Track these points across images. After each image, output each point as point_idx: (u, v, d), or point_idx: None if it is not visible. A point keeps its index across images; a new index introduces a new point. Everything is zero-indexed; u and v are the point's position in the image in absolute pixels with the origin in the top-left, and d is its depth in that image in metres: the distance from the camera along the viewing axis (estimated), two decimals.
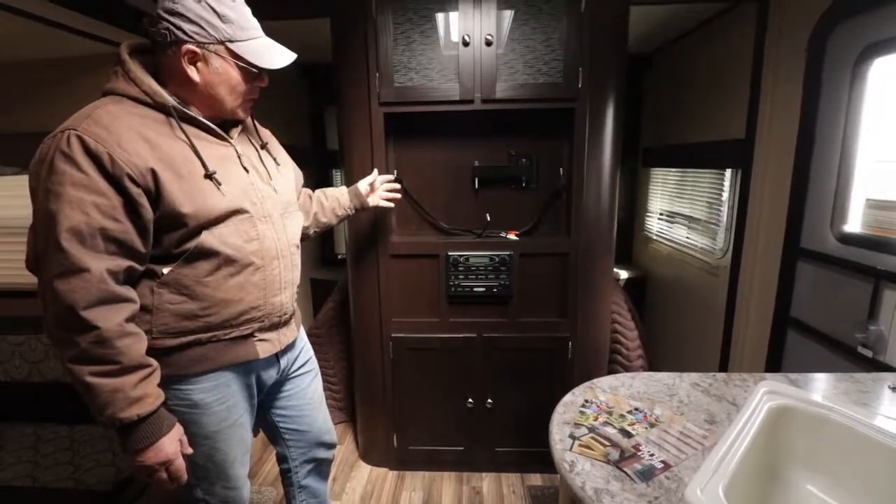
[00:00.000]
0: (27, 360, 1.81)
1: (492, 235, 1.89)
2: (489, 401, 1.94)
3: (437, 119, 1.77)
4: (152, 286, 0.93)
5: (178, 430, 0.95)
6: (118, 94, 0.91)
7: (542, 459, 1.98)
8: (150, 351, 0.96)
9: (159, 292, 0.93)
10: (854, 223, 1.48)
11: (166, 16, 0.90)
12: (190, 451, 0.98)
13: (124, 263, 0.86)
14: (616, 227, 1.87)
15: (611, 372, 2.05)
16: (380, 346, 1.93)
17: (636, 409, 0.96)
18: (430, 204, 1.93)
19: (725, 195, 2.10)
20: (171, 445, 0.92)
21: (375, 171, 1.53)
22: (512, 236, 1.88)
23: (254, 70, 0.97)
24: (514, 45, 1.67)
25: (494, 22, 1.64)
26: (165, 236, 0.91)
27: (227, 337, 1.01)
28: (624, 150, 1.89)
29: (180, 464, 0.95)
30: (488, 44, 1.65)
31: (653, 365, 2.17)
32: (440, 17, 1.66)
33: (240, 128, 1.08)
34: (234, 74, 0.96)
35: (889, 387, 1.01)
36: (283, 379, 1.23)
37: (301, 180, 1.34)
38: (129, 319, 0.87)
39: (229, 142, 1.02)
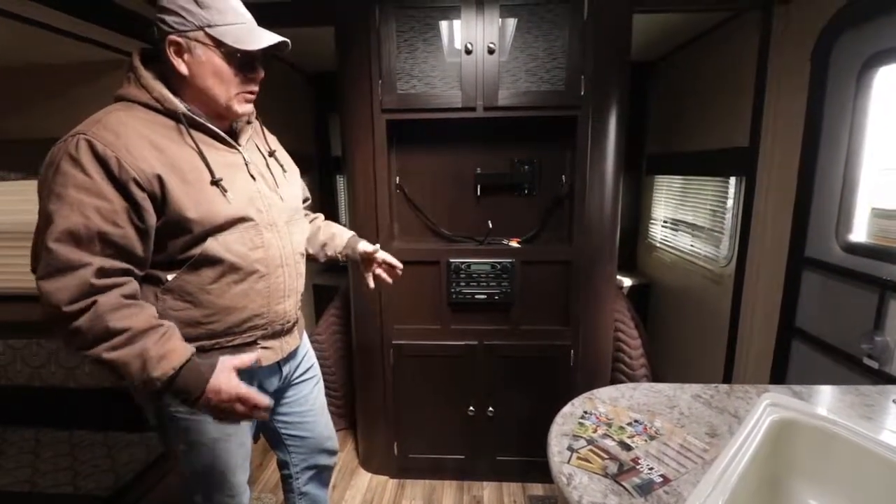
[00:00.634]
0: (28, 365, 1.81)
1: (494, 242, 1.89)
2: (490, 409, 1.93)
3: (440, 126, 1.77)
4: (156, 292, 0.93)
5: (225, 368, 0.92)
6: (129, 101, 0.92)
7: (543, 469, 1.94)
8: None
9: (163, 299, 0.93)
10: (859, 232, 1.46)
11: (156, 14, 0.92)
12: (264, 400, 0.94)
13: (120, 265, 0.86)
14: (619, 235, 1.86)
15: (614, 381, 2.03)
16: (381, 352, 1.93)
17: (636, 421, 0.95)
18: (431, 211, 1.93)
19: (730, 203, 2.09)
20: (226, 381, 0.90)
21: (377, 245, 1.35)
22: (514, 244, 1.88)
23: (237, 55, 0.94)
24: (517, 53, 1.68)
25: (497, 30, 1.64)
26: (170, 242, 0.91)
27: (230, 344, 1.01)
28: (628, 158, 1.89)
29: (247, 393, 0.92)
30: (491, 52, 1.65)
31: (656, 374, 2.15)
32: (443, 25, 1.67)
33: (248, 135, 1.08)
34: (218, 61, 0.93)
35: (893, 401, 0.99)
36: (286, 385, 1.23)
37: (306, 192, 1.34)
38: (128, 296, 0.87)
39: (237, 149, 1.03)
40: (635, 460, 0.83)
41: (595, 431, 0.92)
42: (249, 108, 1.03)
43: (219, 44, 0.92)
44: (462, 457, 2.01)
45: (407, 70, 1.70)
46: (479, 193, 1.89)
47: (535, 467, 1.97)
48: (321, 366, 1.40)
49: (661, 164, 2.78)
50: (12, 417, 1.82)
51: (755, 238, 1.88)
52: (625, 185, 1.93)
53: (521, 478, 2.03)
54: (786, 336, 1.72)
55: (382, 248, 1.81)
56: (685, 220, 2.50)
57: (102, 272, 0.83)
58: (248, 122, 1.10)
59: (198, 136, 0.95)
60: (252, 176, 1.03)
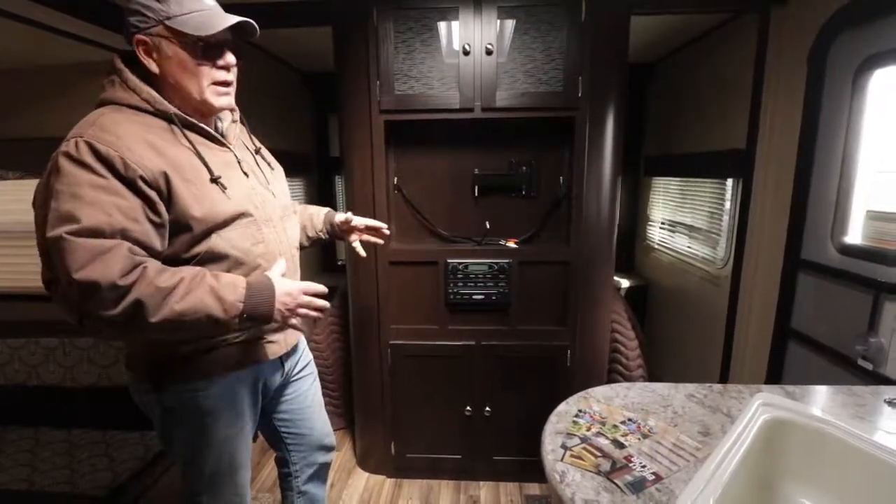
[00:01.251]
0: (26, 364, 1.82)
1: (491, 243, 1.90)
2: (487, 409, 1.93)
3: (438, 127, 1.78)
4: None
5: (276, 276, 0.96)
6: (117, 104, 0.91)
7: (540, 469, 1.92)
8: (164, 359, 0.97)
9: None
10: (855, 234, 1.47)
11: (125, 17, 0.91)
12: (322, 288, 0.99)
13: (144, 256, 0.86)
14: (617, 236, 1.86)
15: (610, 381, 2.04)
16: (378, 352, 1.93)
17: (630, 420, 0.96)
18: (429, 211, 1.94)
19: (727, 205, 2.10)
20: (289, 282, 0.95)
21: (349, 213, 1.36)
22: (511, 244, 1.88)
23: (200, 43, 0.91)
24: (515, 55, 1.68)
25: (495, 31, 1.65)
26: (176, 240, 0.92)
27: (237, 340, 1.02)
28: (625, 159, 1.89)
29: (308, 284, 0.98)
30: (489, 53, 1.66)
31: (653, 375, 2.15)
32: (441, 25, 1.68)
33: (236, 133, 1.08)
34: (182, 53, 0.91)
35: (885, 401, 1.00)
36: (286, 382, 1.24)
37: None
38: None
39: (229, 147, 1.03)
40: (628, 458, 0.83)
41: (589, 430, 0.92)
42: (226, 101, 0.99)
43: (179, 34, 0.90)
44: (459, 456, 2.02)
45: (405, 71, 1.71)
46: (476, 194, 1.90)
47: (531, 467, 1.98)
48: (319, 365, 1.41)
49: (658, 165, 2.79)
50: (10, 416, 1.82)
51: (752, 239, 1.89)
52: (623, 187, 1.94)
53: (517, 477, 2.03)
54: (781, 337, 1.73)
55: (380, 249, 1.83)
56: (683, 221, 2.51)
57: (133, 251, 0.83)
58: (234, 122, 1.10)
59: (191, 135, 0.95)
60: (245, 173, 1.04)
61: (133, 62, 0.94)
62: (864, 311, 1.36)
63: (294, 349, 1.22)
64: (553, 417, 0.97)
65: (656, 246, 2.81)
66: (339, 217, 1.35)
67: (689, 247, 2.44)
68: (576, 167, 1.75)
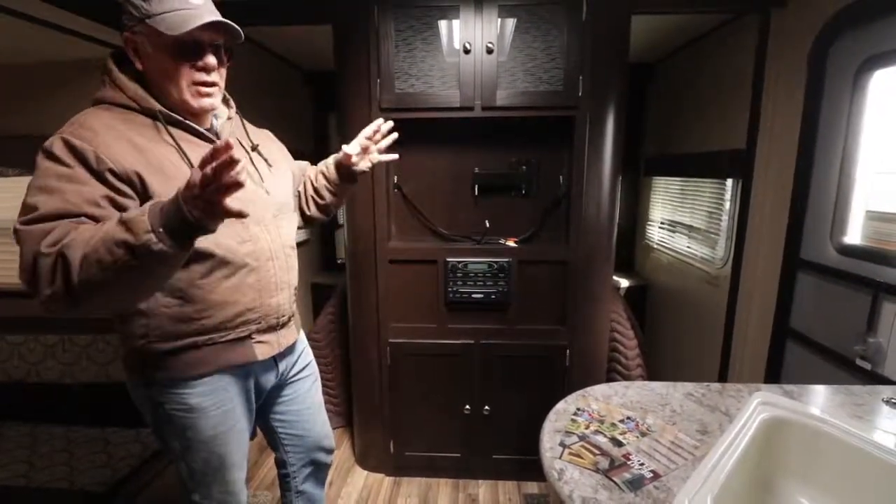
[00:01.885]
0: (26, 361, 1.82)
1: (491, 242, 1.90)
2: (486, 408, 1.94)
3: (438, 126, 1.78)
4: None
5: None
6: (107, 103, 0.92)
7: (538, 467, 1.94)
8: (149, 356, 0.97)
9: (154, 296, 0.94)
10: (854, 235, 1.47)
11: (120, 16, 0.92)
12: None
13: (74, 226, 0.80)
14: (616, 236, 1.87)
15: (609, 381, 2.04)
16: (377, 351, 1.93)
17: (628, 418, 0.96)
18: (429, 210, 1.94)
19: (726, 205, 2.09)
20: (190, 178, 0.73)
21: (343, 149, 1.25)
22: (511, 243, 1.88)
23: (175, 43, 0.89)
24: (515, 53, 1.68)
25: (496, 30, 1.65)
26: None
27: (223, 339, 1.01)
28: (625, 159, 1.89)
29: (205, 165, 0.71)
30: (489, 51, 1.66)
31: (652, 374, 2.15)
32: (442, 24, 1.68)
33: (229, 130, 1.07)
34: (163, 55, 0.90)
35: (883, 400, 1.00)
36: (283, 383, 1.23)
37: (302, 168, 1.34)
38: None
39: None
40: (626, 456, 0.84)
41: (587, 428, 0.92)
42: (207, 102, 0.97)
43: (155, 33, 0.88)
44: (458, 455, 2.02)
45: (405, 69, 1.71)
46: (476, 193, 1.90)
47: (530, 466, 1.98)
48: (319, 364, 1.41)
49: (658, 165, 2.79)
50: (9, 412, 1.82)
51: (751, 240, 1.89)
52: (623, 187, 1.93)
53: (516, 476, 2.03)
54: (780, 337, 1.73)
55: (380, 247, 1.83)
56: (682, 221, 2.51)
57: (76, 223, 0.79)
58: (229, 118, 1.09)
59: (176, 132, 0.95)
60: None
61: (126, 60, 0.94)
62: (862, 312, 1.36)
63: (290, 350, 1.20)
64: (551, 415, 0.97)
65: (656, 246, 2.81)
66: (355, 147, 1.25)
67: (688, 247, 2.44)
68: (575, 166, 1.75)
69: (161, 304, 0.94)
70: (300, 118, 2.90)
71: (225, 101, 1.10)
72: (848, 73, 1.45)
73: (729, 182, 2.07)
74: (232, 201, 0.73)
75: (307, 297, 3.00)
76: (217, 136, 1.04)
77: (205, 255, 0.95)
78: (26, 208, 0.80)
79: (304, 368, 1.29)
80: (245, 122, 1.15)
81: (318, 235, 3.19)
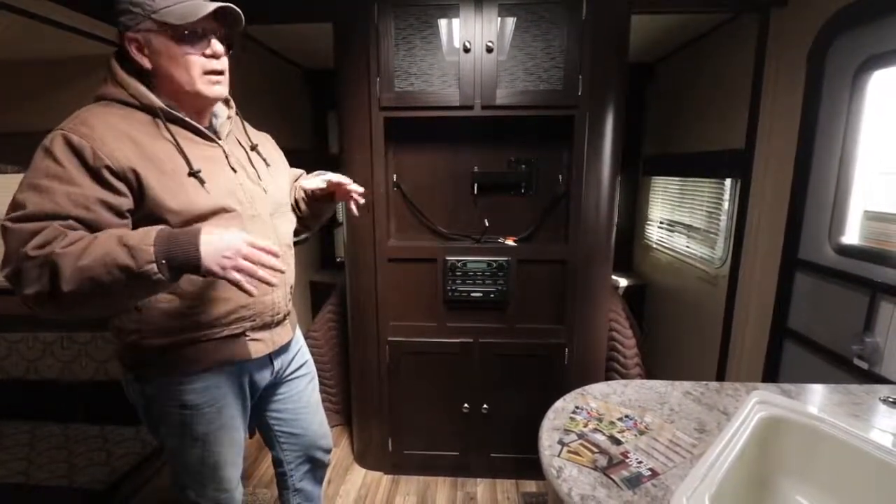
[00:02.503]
0: (24, 358, 1.82)
1: (490, 241, 1.90)
2: (485, 406, 1.94)
3: (438, 124, 1.78)
4: None
5: (208, 232, 0.82)
6: (108, 99, 0.93)
7: (536, 466, 1.94)
8: (142, 352, 0.97)
9: None
10: (852, 235, 1.48)
11: (115, 19, 0.93)
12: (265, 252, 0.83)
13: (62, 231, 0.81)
14: (615, 235, 1.87)
15: (608, 379, 2.04)
16: (376, 349, 1.93)
17: (626, 417, 0.96)
18: (429, 209, 1.94)
19: (725, 205, 2.10)
20: (218, 234, 0.81)
21: (331, 177, 1.24)
22: (510, 242, 1.89)
23: (186, 33, 0.92)
24: (515, 52, 1.68)
25: (495, 29, 1.65)
26: None
27: (217, 336, 1.01)
28: (625, 159, 1.90)
29: (248, 237, 0.83)
30: (489, 50, 1.66)
31: (650, 373, 2.16)
32: (442, 23, 1.68)
33: (229, 129, 1.08)
34: (172, 45, 0.92)
35: (880, 399, 1.00)
36: (278, 381, 1.23)
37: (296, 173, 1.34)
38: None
39: (217, 142, 1.03)
40: (625, 454, 0.84)
41: (586, 426, 0.93)
42: (219, 90, 0.99)
43: (165, 26, 0.91)
44: (456, 453, 2.02)
45: (405, 68, 1.71)
46: (476, 192, 1.90)
47: (528, 464, 1.98)
48: (317, 362, 1.41)
49: (658, 165, 2.79)
50: (8, 410, 1.82)
51: (749, 239, 1.90)
52: (622, 186, 1.94)
53: (514, 475, 2.04)
54: (778, 336, 1.73)
55: (379, 245, 1.84)
56: (681, 221, 2.52)
57: (65, 227, 0.80)
58: (229, 118, 1.10)
59: (175, 129, 0.95)
60: (233, 168, 1.03)
61: (126, 59, 0.95)
62: (860, 311, 1.36)
63: (285, 348, 1.20)
64: (550, 414, 0.98)
65: (655, 245, 2.81)
66: (310, 185, 1.26)
67: (687, 246, 2.45)
68: (575, 166, 1.75)
69: (155, 300, 0.94)
70: (300, 116, 2.90)
71: (225, 101, 1.10)
72: (847, 74, 1.45)
73: (728, 182, 2.08)
74: (249, 283, 0.81)
75: (306, 295, 3.00)
76: (216, 134, 1.04)
77: None
78: (15, 205, 0.81)
79: (300, 367, 1.29)
80: (245, 122, 1.16)
81: (317, 234, 3.19)
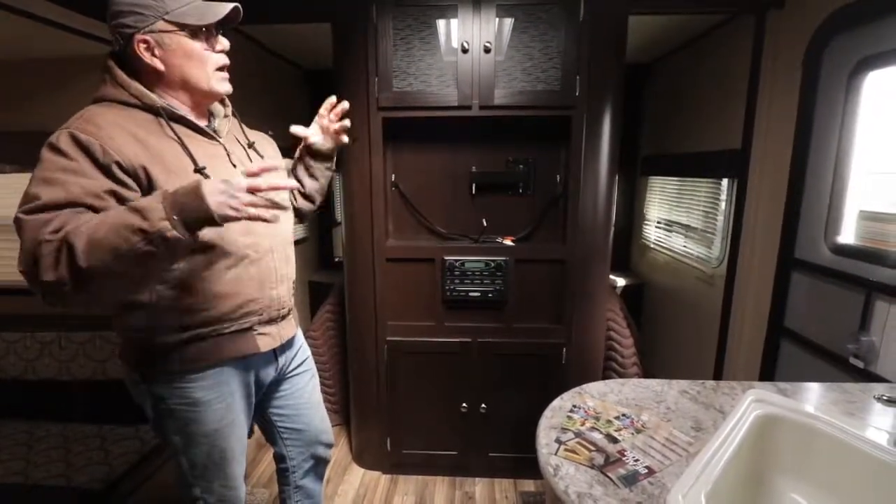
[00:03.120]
0: (22, 358, 1.82)
1: (488, 241, 1.90)
2: (483, 406, 1.94)
3: (436, 124, 1.79)
4: None
5: (206, 182, 0.81)
6: (108, 100, 0.94)
7: (535, 465, 1.96)
8: (150, 350, 0.98)
9: (158, 289, 0.95)
10: (847, 234, 1.49)
11: (112, 23, 0.93)
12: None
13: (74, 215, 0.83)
14: (612, 235, 1.88)
15: (605, 379, 2.05)
16: (375, 349, 1.94)
17: (623, 415, 0.97)
18: (427, 208, 1.94)
19: (722, 205, 2.11)
20: (216, 181, 0.82)
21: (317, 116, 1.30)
22: (508, 242, 1.89)
23: (202, 30, 0.96)
24: (513, 53, 1.69)
25: (493, 29, 1.66)
26: None
27: (227, 331, 1.02)
28: (623, 159, 1.90)
29: (243, 180, 0.84)
30: (487, 51, 1.66)
31: (648, 373, 2.17)
32: (440, 23, 1.68)
33: (227, 128, 1.10)
34: (188, 43, 0.95)
35: (874, 397, 1.01)
36: (281, 378, 1.24)
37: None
38: None
39: (218, 140, 1.05)
40: (621, 452, 0.85)
41: (583, 425, 0.93)
42: (228, 86, 1.04)
43: (182, 26, 0.94)
44: (455, 453, 2.03)
45: (403, 68, 1.71)
46: (474, 192, 1.91)
47: (526, 464, 1.99)
48: (315, 362, 1.41)
49: (655, 165, 2.80)
50: (6, 410, 1.82)
51: (746, 239, 1.91)
52: (619, 186, 1.95)
53: (513, 474, 2.04)
54: (775, 336, 1.74)
55: (377, 245, 1.84)
56: (678, 220, 2.53)
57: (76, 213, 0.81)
58: (226, 116, 1.12)
59: (178, 128, 0.97)
60: (234, 164, 1.05)
61: (123, 61, 0.96)
62: (856, 311, 1.37)
63: (289, 344, 1.22)
64: (548, 412, 0.98)
65: (652, 245, 2.82)
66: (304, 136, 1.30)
67: (684, 246, 2.46)
68: (572, 166, 1.76)
69: (165, 296, 0.95)
70: (299, 116, 2.89)
71: (220, 101, 1.12)
72: (842, 75, 1.46)
73: (725, 182, 2.09)
74: (264, 212, 0.83)
75: (304, 295, 3.00)
76: (216, 132, 1.06)
77: (207, 246, 0.96)
78: (28, 197, 0.81)
79: (302, 363, 1.30)
80: (242, 123, 1.17)
81: (316, 233, 3.19)
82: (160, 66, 0.95)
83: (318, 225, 3.18)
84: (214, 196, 0.80)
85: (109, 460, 1.56)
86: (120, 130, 0.88)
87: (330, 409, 2.36)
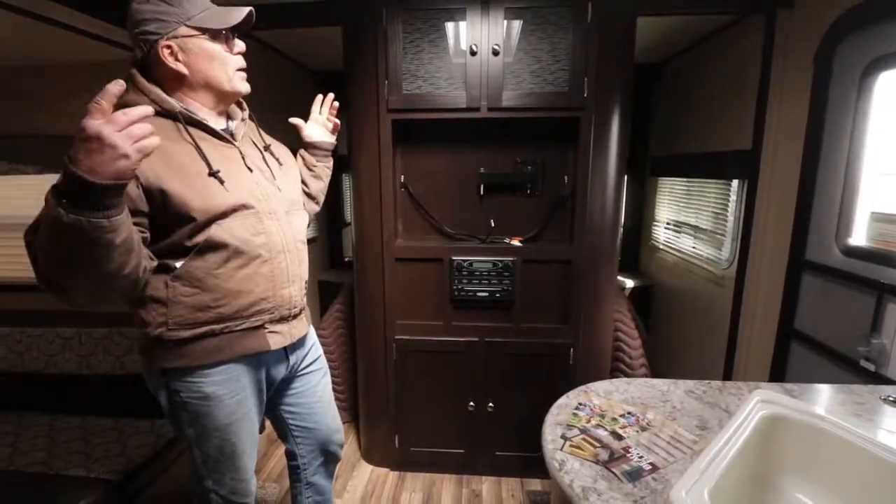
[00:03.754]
0: (44, 353, 1.88)
1: (496, 241, 1.92)
2: (490, 405, 1.96)
3: (444, 126, 1.81)
4: (166, 280, 0.98)
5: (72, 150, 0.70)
6: (129, 107, 0.96)
7: (541, 464, 1.97)
8: (167, 344, 1.01)
9: (173, 286, 0.98)
10: (859, 236, 1.48)
11: (134, 31, 0.97)
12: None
13: None
14: (621, 236, 1.88)
15: (613, 378, 2.06)
16: (383, 347, 1.96)
17: (629, 413, 0.98)
18: (435, 209, 1.97)
19: (732, 206, 2.10)
20: (82, 146, 0.69)
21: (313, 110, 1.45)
22: (516, 242, 1.90)
23: (223, 33, 1.01)
24: (521, 55, 1.70)
25: (502, 32, 1.67)
26: (178, 230, 0.97)
27: (239, 328, 1.06)
28: (632, 160, 1.91)
29: (104, 127, 0.70)
30: (495, 53, 1.68)
31: (657, 374, 2.16)
32: (449, 26, 1.70)
33: (244, 131, 1.14)
34: (210, 45, 1.00)
35: (882, 398, 1.01)
36: (293, 375, 1.27)
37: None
38: None
39: (233, 144, 1.08)
40: (626, 449, 0.86)
41: (588, 422, 0.95)
42: (248, 86, 1.09)
43: (203, 30, 0.99)
44: (462, 451, 2.04)
45: (412, 70, 1.73)
46: (482, 193, 1.92)
47: (533, 463, 2.00)
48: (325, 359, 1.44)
49: (664, 165, 2.79)
50: (28, 403, 1.88)
51: (756, 240, 1.89)
52: (628, 187, 1.95)
53: (519, 473, 2.05)
54: (785, 338, 1.73)
55: (387, 245, 1.87)
56: (688, 222, 2.52)
57: None
58: (242, 120, 1.15)
59: (195, 132, 1.01)
60: (249, 168, 1.09)
61: (144, 68, 1.00)
62: (867, 313, 1.36)
63: (301, 343, 1.25)
64: (553, 409, 1.00)
65: (661, 246, 2.81)
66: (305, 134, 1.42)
67: (693, 247, 2.45)
68: (580, 167, 1.77)
69: (180, 293, 0.99)
70: (305, 117, 2.94)
71: (238, 104, 1.16)
72: (854, 75, 1.45)
73: (734, 183, 2.08)
74: (150, 140, 0.72)
75: (315, 294, 3.04)
76: (232, 136, 1.09)
77: (221, 245, 1.00)
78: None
79: (314, 362, 1.33)
80: (259, 127, 1.22)
81: (326, 233, 3.23)
82: (184, 70, 0.99)
83: (328, 225, 3.22)
84: (84, 163, 0.69)
85: (127, 452, 1.61)
86: None
87: (339, 406, 2.38)
